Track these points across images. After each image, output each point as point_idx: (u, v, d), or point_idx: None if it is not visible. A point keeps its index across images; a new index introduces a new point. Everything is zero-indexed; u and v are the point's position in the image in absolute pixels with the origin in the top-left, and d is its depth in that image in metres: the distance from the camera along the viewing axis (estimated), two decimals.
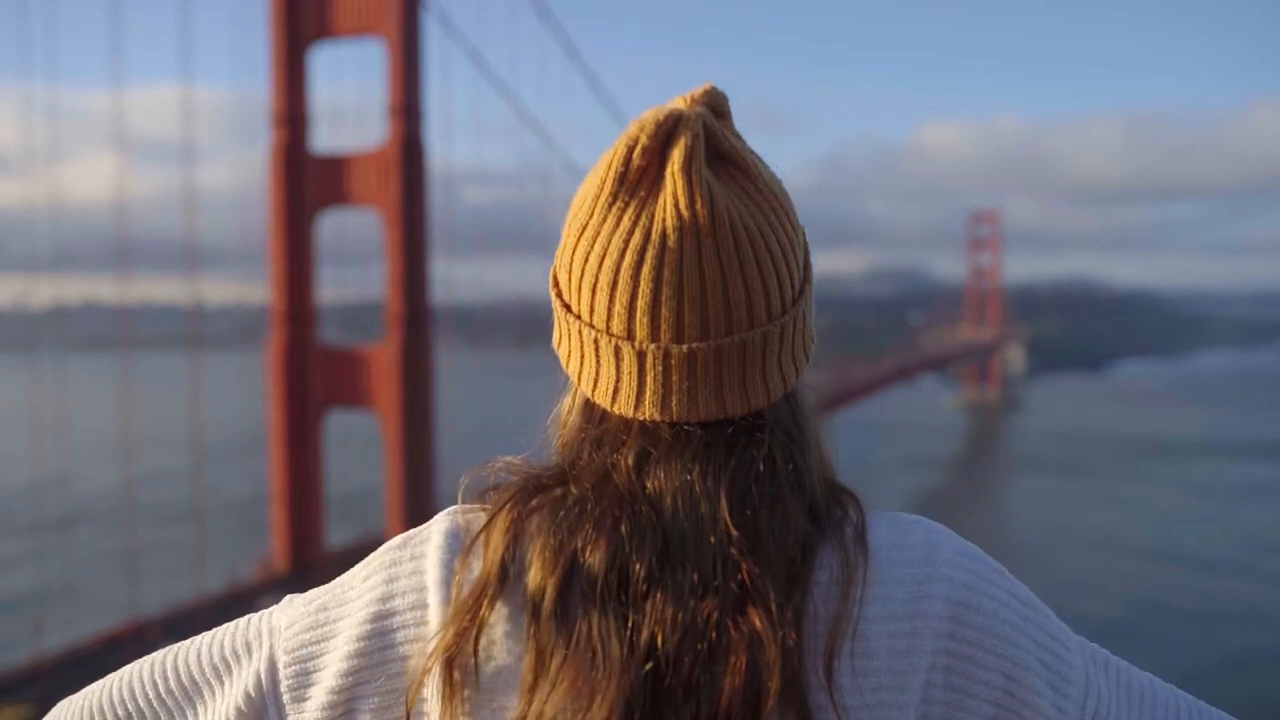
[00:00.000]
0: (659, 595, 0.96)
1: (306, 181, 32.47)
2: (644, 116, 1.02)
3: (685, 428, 1.03)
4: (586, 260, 1.03)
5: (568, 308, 1.10)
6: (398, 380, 31.70)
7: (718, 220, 0.99)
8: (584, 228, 1.03)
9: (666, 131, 1.00)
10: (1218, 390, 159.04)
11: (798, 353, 1.10)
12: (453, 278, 36.57)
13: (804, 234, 1.11)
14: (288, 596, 1.21)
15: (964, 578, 1.08)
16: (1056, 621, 1.18)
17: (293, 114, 32.50)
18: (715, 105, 1.06)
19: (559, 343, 1.14)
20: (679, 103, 1.05)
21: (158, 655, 1.19)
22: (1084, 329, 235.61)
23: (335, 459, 34.53)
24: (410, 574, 1.07)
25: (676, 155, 0.99)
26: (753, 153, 1.07)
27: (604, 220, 1.01)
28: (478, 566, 1.02)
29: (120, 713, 1.16)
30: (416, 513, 31.62)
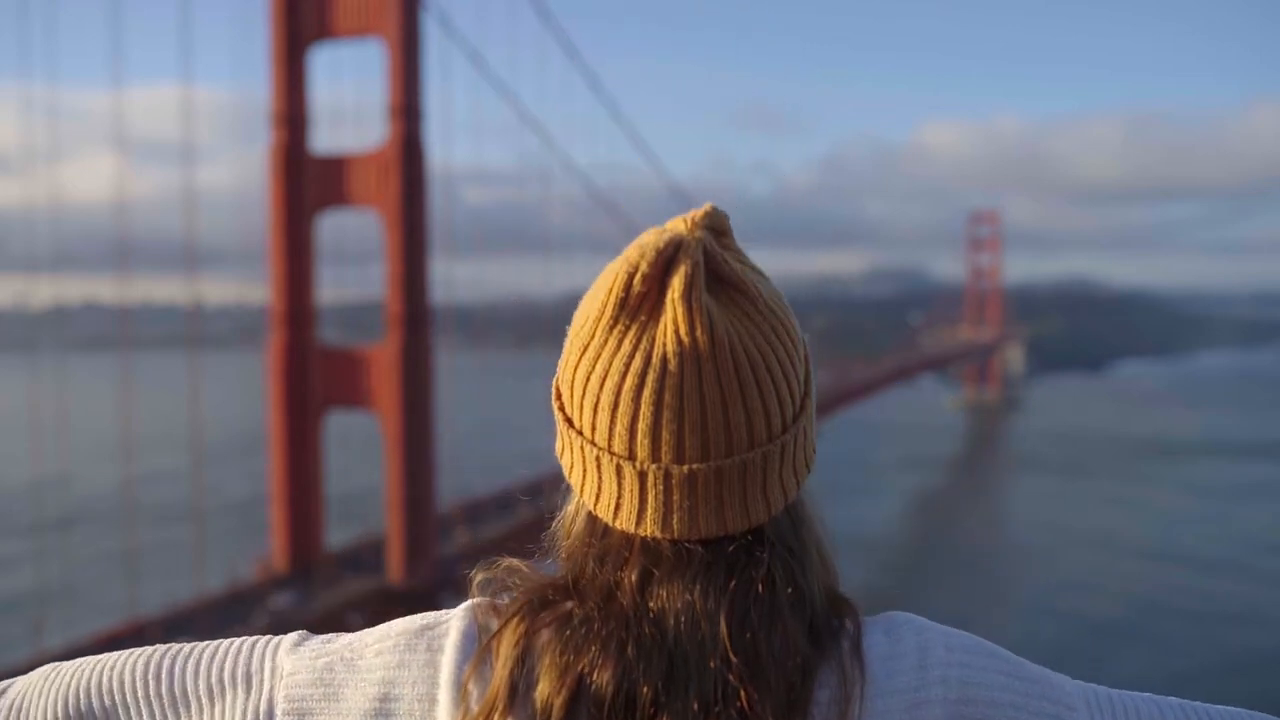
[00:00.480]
0: None
1: (306, 182, 32.49)
2: (645, 240, 1.04)
3: (686, 545, 1.04)
4: (588, 380, 1.04)
5: (570, 422, 1.10)
6: (397, 380, 31.71)
7: (718, 345, 1.00)
8: (585, 348, 1.04)
9: (667, 259, 1.02)
10: (1217, 390, 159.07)
11: (799, 466, 1.11)
12: (453, 278, 36.66)
13: (806, 345, 1.13)
14: (299, 634, 1.23)
15: (959, 674, 1.07)
16: (1056, 683, 1.16)
17: (293, 114, 32.52)
18: (716, 225, 1.07)
19: (561, 453, 1.15)
20: (679, 224, 1.06)
21: (154, 653, 1.18)
22: (1084, 329, 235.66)
23: (335, 459, 34.55)
24: (424, 665, 1.08)
25: (677, 283, 1.00)
26: (755, 271, 1.09)
27: (605, 342, 1.02)
28: (489, 675, 1.03)
29: (105, 701, 1.15)
30: (416, 513, 31.64)
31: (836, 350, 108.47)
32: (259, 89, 33.21)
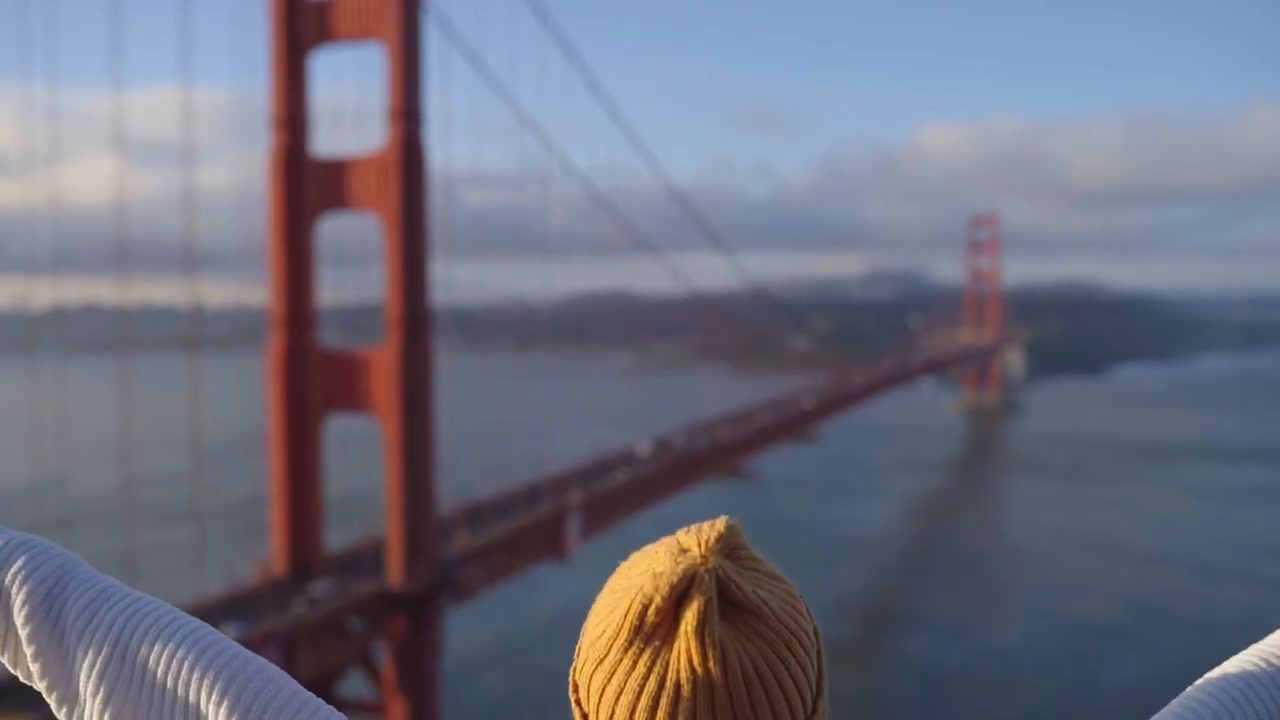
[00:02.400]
0: None
1: (306, 184, 32.49)
2: (659, 569, 1.08)
3: None
4: (603, 693, 1.09)
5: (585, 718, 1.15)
6: (397, 383, 31.70)
7: (730, 673, 1.04)
8: (601, 660, 1.10)
9: (680, 592, 1.06)
10: (1216, 393, 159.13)
11: None
12: (452, 280, 36.62)
13: (819, 637, 1.16)
14: None
15: None
16: None
17: (293, 117, 32.52)
18: (730, 541, 1.12)
19: None
20: (694, 545, 1.11)
21: (242, 688, 1.30)
22: (1083, 332, 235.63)
23: (335, 460, 34.53)
24: None
25: (690, 616, 1.04)
26: (769, 578, 1.12)
27: (620, 660, 1.08)
28: None
29: (182, 697, 1.29)
30: (416, 516, 31.62)
31: (836, 353, 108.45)
32: (259, 91, 33.20)
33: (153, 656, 1.31)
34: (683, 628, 1.04)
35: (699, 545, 1.10)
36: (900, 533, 70.60)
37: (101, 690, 1.31)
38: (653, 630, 1.06)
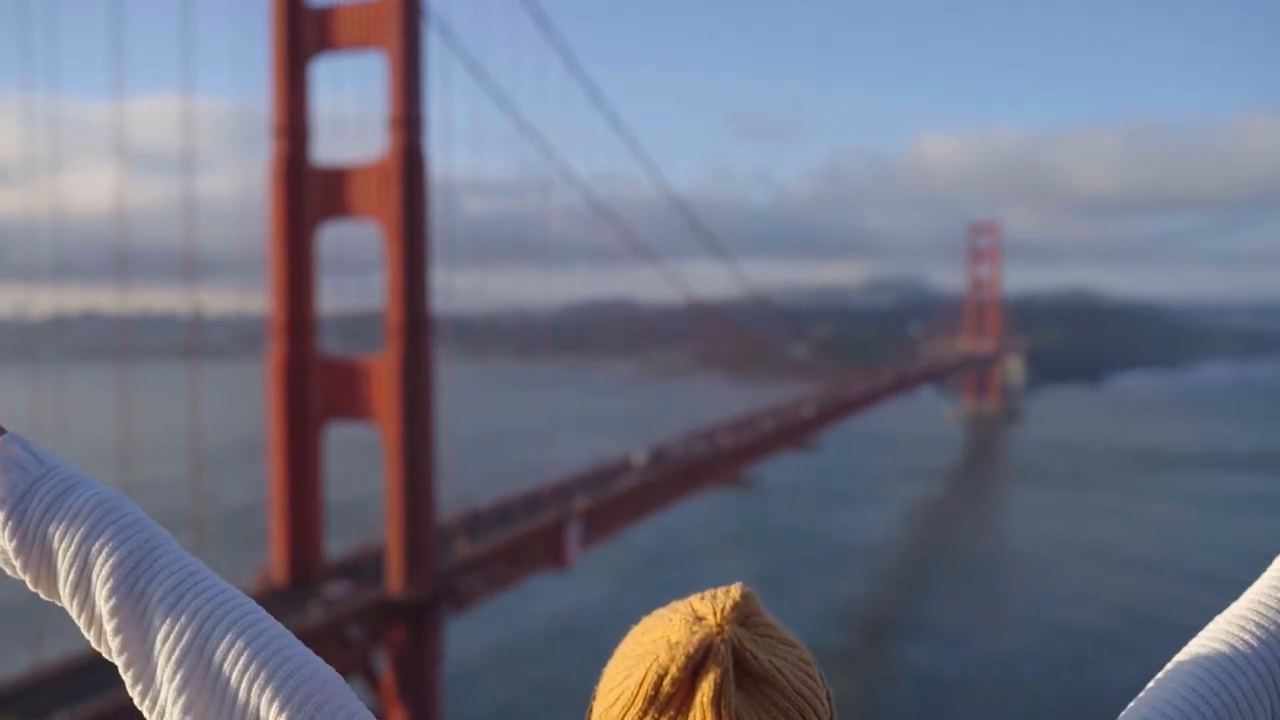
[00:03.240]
0: None
1: (307, 193, 32.51)
2: (674, 639, 1.09)
3: None
4: None
5: None
6: (397, 390, 31.70)
7: None
8: None
9: (696, 663, 1.06)
10: (1217, 401, 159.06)
11: None
12: (452, 288, 36.63)
13: (830, 700, 1.16)
14: None
15: None
16: None
17: (294, 126, 32.56)
18: (746, 609, 1.13)
19: None
20: (709, 613, 1.11)
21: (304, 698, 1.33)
22: (1083, 340, 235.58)
23: (335, 467, 34.51)
24: None
25: (706, 688, 1.05)
26: (785, 646, 1.13)
27: None
28: None
29: (243, 699, 1.32)
30: (416, 524, 31.58)
31: (836, 361, 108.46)
32: (260, 100, 33.26)
33: (231, 652, 1.34)
34: (698, 699, 1.04)
35: (714, 613, 1.10)
36: (900, 540, 70.52)
37: (178, 676, 1.33)
38: (667, 701, 1.06)
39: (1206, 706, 1.35)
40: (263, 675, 1.32)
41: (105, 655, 1.41)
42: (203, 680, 1.34)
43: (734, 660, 1.06)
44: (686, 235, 62.82)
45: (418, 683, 30.62)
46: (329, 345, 35.50)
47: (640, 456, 49.32)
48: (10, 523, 1.45)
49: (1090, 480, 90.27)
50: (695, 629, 1.08)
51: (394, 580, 31.16)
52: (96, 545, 1.41)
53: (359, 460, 34.86)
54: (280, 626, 1.41)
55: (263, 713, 1.31)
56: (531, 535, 37.33)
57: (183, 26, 34.22)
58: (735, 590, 1.13)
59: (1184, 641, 1.49)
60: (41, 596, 1.47)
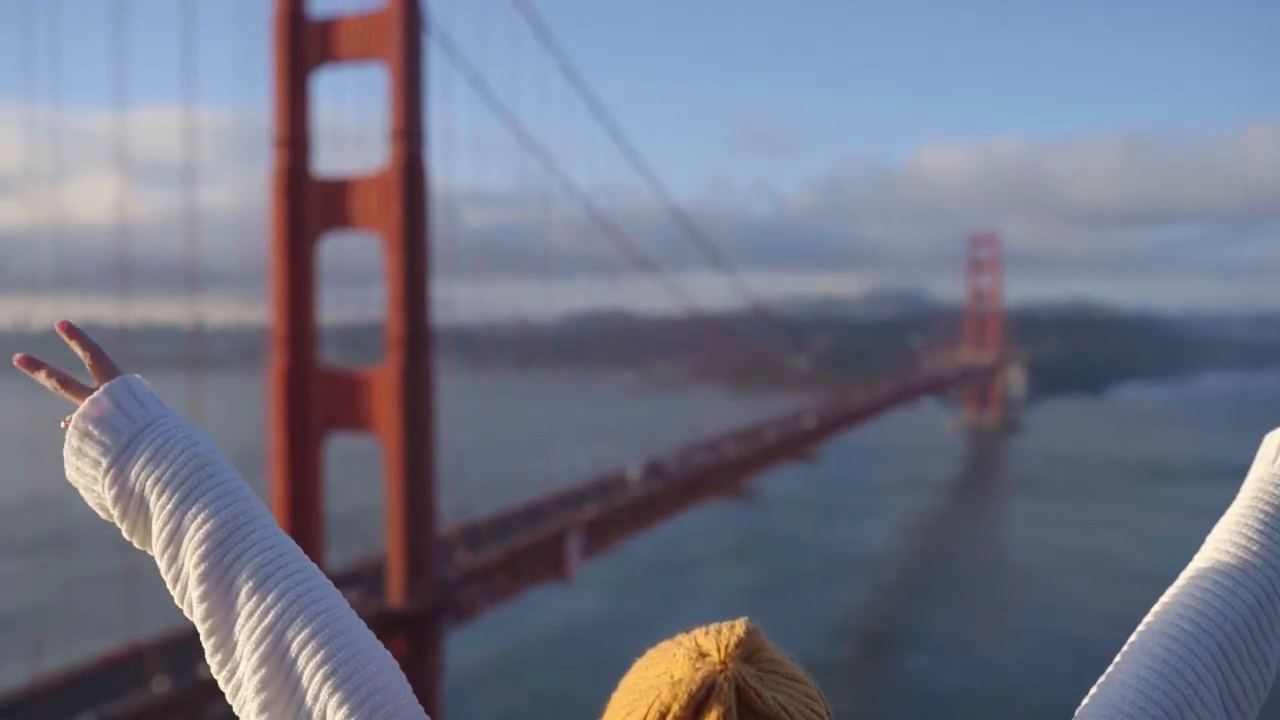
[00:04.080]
0: None
1: (308, 204, 32.54)
2: (677, 674, 1.08)
3: None
4: None
5: None
6: (398, 402, 31.69)
7: None
8: None
9: (699, 701, 1.05)
10: (1218, 412, 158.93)
11: None
12: (453, 299, 36.64)
13: None
14: None
15: None
16: None
17: (295, 137, 32.59)
18: (750, 645, 1.11)
19: None
20: (713, 650, 1.10)
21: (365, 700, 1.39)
22: (1084, 351, 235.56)
23: (335, 479, 34.49)
24: None
25: None
26: (789, 681, 1.11)
27: None
28: None
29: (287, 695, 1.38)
30: (416, 535, 31.55)
31: (837, 372, 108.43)
32: (261, 111, 33.29)
33: (309, 646, 1.37)
34: None
35: (718, 650, 1.08)
36: (901, 551, 70.44)
37: (256, 655, 1.37)
38: None
39: (1161, 695, 1.37)
40: (335, 675, 1.35)
41: (186, 614, 1.45)
42: (278, 666, 1.37)
43: (738, 698, 1.05)
44: (687, 246, 62.85)
45: (419, 693, 30.29)
46: (330, 357, 35.49)
47: (634, 471, 49.12)
48: (111, 472, 1.49)
49: (1091, 491, 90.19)
50: (699, 665, 1.07)
51: (394, 591, 31.12)
52: (191, 511, 1.44)
53: (359, 471, 34.84)
54: (358, 623, 1.45)
55: (329, 710, 1.34)
56: (532, 546, 37.29)
57: (184, 37, 34.20)
58: (740, 625, 1.12)
59: None
60: (135, 545, 1.52)
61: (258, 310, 35.01)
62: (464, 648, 39.97)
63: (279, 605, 1.39)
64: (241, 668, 1.38)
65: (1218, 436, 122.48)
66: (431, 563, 31.99)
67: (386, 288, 32.16)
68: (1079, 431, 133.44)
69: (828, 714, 1.12)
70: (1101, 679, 1.43)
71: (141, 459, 1.49)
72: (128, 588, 27.90)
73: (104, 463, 1.50)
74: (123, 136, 32.51)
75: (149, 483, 1.47)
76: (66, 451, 1.55)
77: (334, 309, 34.84)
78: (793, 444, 63.24)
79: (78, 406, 1.57)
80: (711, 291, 71.91)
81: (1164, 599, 1.52)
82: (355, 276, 35.49)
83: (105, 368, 1.62)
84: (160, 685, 25.26)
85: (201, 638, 1.43)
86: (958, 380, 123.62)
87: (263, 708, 1.37)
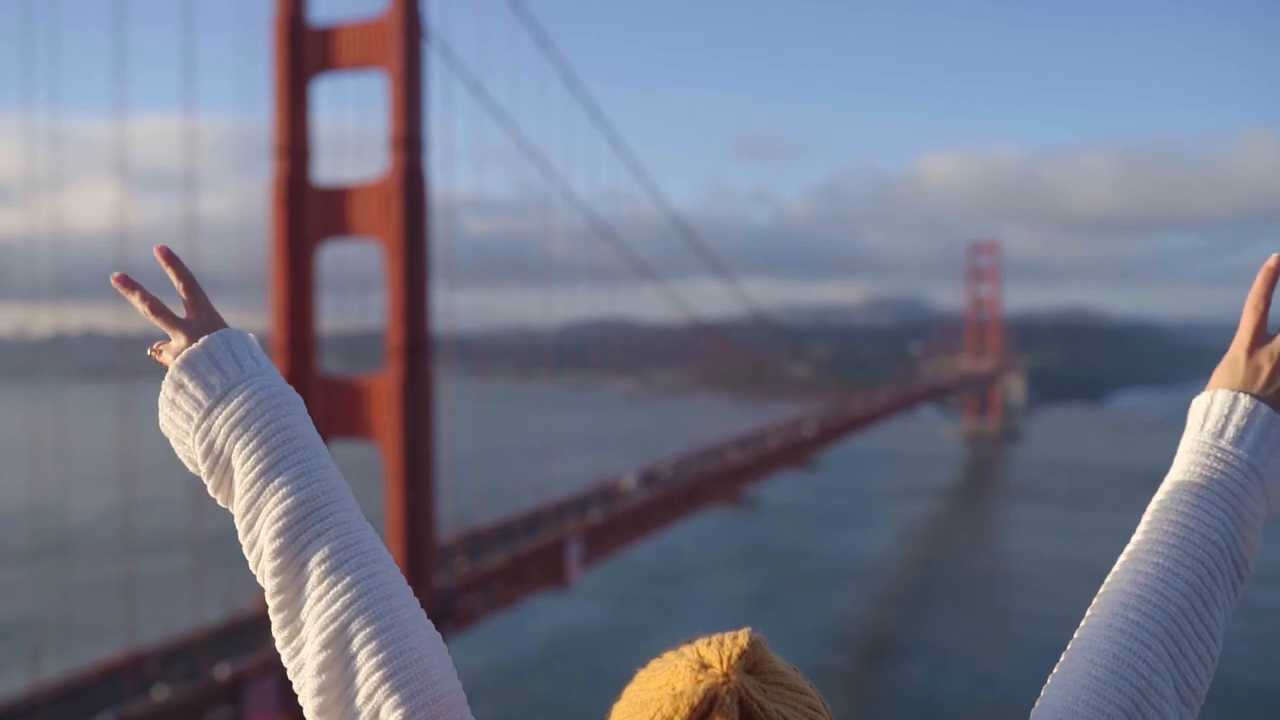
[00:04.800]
0: None
1: (308, 212, 32.57)
2: (679, 686, 1.07)
3: None
4: None
5: None
6: (398, 410, 31.69)
7: None
8: None
9: (701, 714, 1.04)
10: None
11: None
12: (453, 307, 36.65)
13: None
14: None
15: None
16: None
17: (295, 145, 32.62)
18: (753, 656, 1.10)
19: None
20: (715, 662, 1.09)
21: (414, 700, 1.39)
22: (1084, 359, 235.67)
23: None
24: None
25: None
26: (793, 693, 1.11)
27: None
28: None
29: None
30: (416, 543, 31.54)
31: (837, 380, 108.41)
32: (261, 119, 33.32)
33: (373, 643, 1.38)
34: None
35: (720, 661, 1.07)
36: (900, 558, 70.36)
37: (319, 640, 1.38)
38: None
39: (1115, 693, 1.37)
40: (394, 678, 1.36)
41: (259, 581, 1.45)
42: (338, 655, 1.37)
43: (740, 710, 1.03)
44: (686, 254, 62.80)
45: None
46: (329, 364, 35.50)
47: (630, 480, 49.03)
48: (201, 428, 1.51)
49: (1091, 499, 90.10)
50: (701, 677, 1.06)
51: None
52: (274, 484, 1.44)
53: (359, 479, 34.75)
54: (425, 624, 1.47)
55: (383, 711, 1.34)
56: (532, 554, 37.26)
57: (184, 45, 34.23)
58: (743, 636, 1.10)
59: None
60: (219, 503, 1.54)
61: (257, 318, 35.02)
62: (463, 656, 39.84)
63: (347, 595, 1.39)
64: (306, 649, 1.39)
65: None
66: (431, 570, 31.99)
67: (386, 295, 32.18)
68: (1078, 439, 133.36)
69: None
70: (1052, 678, 1.43)
71: (231, 420, 1.49)
72: (126, 595, 27.89)
73: (195, 418, 1.52)
74: (122, 144, 32.46)
75: (236, 446, 1.48)
76: (161, 401, 1.59)
77: (334, 317, 34.87)
78: (793, 452, 63.23)
79: (166, 335, 1.62)
80: (711, 299, 71.98)
81: (1105, 586, 1.55)
82: (355, 284, 35.52)
83: (198, 300, 1.66)
84: (159, 693, 25.22)
85: (270, 610, 1.44)
86: (957, 388, 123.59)
87: (319, 691, 1.37)
